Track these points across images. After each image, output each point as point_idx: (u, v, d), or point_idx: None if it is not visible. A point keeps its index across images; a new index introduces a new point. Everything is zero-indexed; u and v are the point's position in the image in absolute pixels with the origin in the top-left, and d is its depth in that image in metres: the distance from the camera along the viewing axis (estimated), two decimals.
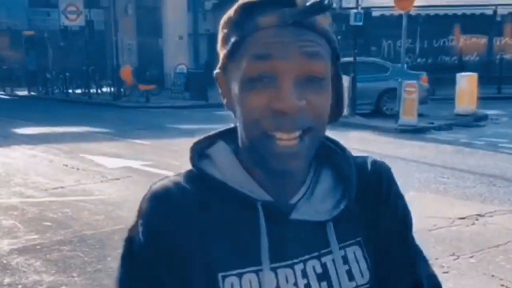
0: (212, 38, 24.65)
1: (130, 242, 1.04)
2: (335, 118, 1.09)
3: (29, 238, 6.34)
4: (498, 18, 26.44)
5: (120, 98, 24.49)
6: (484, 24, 26.14)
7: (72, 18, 27.24)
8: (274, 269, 1.01)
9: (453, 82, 16.51)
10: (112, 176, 9.32)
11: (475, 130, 14.25)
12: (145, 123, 16.65)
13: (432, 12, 25.43)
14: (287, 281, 1.01)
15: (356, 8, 17.69)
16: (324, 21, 0.97)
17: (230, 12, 1.00)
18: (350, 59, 15.46)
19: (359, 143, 11.42)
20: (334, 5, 20.40)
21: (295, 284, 1.02)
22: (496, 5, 25.71)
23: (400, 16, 17.16)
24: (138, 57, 31.54)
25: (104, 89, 27.33)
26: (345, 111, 9.94)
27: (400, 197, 1.15)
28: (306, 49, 0.94)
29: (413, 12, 18.76)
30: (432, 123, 14.81)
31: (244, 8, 0.98)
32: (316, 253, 1.04)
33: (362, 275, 1.07)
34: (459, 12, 25.72)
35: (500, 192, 8.07)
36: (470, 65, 24.47)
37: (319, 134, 1.00)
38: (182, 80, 24.59)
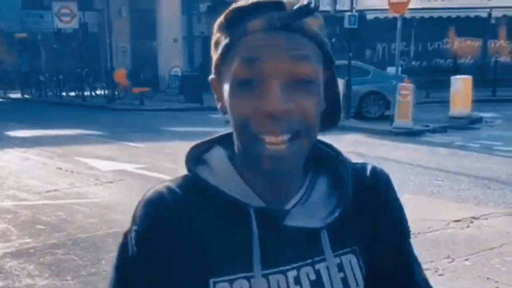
0: (206, 41, 24.67)
1: (123, 248, 1.04)
2: (331, 125, 1.09)
3: (23, 242, 6.30)
4: (493, 21, 26.52)
5: (114, 100, 24.45)
6: (479, 26, 26.23)
7: (66, 20, 27.20)
8: (266, 276, 1.00)
9: (447, 85, 16.54)
10: (106, 179, 9.29)
11: (470, 133, 14.27)
12: (139, 126, 16.62)
13: (426, 15, 25.51)
14: (279, 287, 1.01)
15: (351, 11, 17.71)
16: (314, 24, 0.97)
17: (222, 16, 1.00)
18: (344, 61, 15.46)
19: (354, 145, 11.43)
20: (329, 7, 20.36)
21: None
22: (491, 8, 25.80)
23: (395, 19, 17.18)
24: (132, 59, 31.52)
25: (98, 92, 27.26)
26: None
27: (398, 205, 1.14)
28: (294, 52, 0.94)
29: (407, 15, 18.79)
30: (427, 125, 14.82)
31: (234, 12, 0.98)
32: (310, 260, 1.03)
33: (357, 284, 1.06)
34: (453, 15, 25.81)
35: (495, 194, 8.07)
36: (465, 68, 24.56)
37: (310, 138, 0.98)
38: (177, 82, 24.58)
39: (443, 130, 14.64)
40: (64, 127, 16.40)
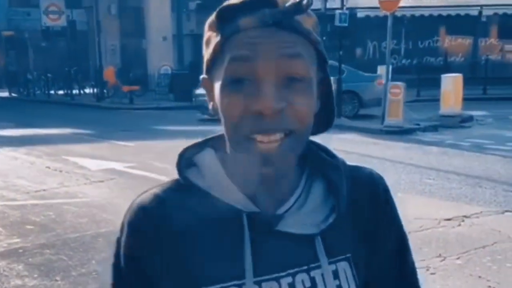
0: (196, 39, 24.63)
1: (115, 255, 1.05)
2: (325, 127, 1.08)
3: (11, 242, 6.25)
4: (483, 19, 26.60)
5: (104, 99, 24.39)
6: (469, 25, 26.30)
7: (54, 18, 27.03)
8: (258, 283, 0.98)
9: (438, 83, 16.54)
10: (95, 178, 9.23)
11: (461, 131, 14.30)
12: (128, 125, 16.58)
13: (417, 13, 25.56)
14: None
15: (341, 8, 17.70)
16: (307, 22, 0.95)
17: (213, 14, 0.99)
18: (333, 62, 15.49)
19: (345, 144, 11.40)
20: (319, 5, 20.35)
21: None
22: (481, 6, 25.86)
23: (385, 17, 17.14)
24: (122, 58, 31.44)
25: (87, 90, 27.20)
26: None
27: (396, 212, 1.13)
28: (286, 50, 0.92)
29: (398, 13, 18.78)
30: (418, 124, 14.84)
31: (225, 10, 0.96)
32: (305, 267, 1.01)
33: None
34: (444, 13, 25.87)
35: (486, 193, 8.08)
36: (456, 66, 24.64)
37: (302, 138, 0.96)
38: (166, 81, 24.55)
39: (434, 128, 14.66)
40: (52, 126, 16.33)
